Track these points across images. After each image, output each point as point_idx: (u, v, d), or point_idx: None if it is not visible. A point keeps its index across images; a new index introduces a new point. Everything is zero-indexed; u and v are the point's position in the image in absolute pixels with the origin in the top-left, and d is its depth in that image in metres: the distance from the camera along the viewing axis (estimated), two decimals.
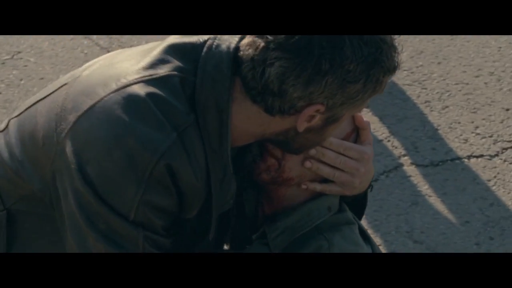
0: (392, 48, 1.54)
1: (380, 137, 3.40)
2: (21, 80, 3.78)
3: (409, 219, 2.99)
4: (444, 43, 3.98)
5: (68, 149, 1.57)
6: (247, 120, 1.58)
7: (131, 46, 3.96)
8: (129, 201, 1.55)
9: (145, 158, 1.53)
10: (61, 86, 1.67)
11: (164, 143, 1.53)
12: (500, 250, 2.90)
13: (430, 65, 3.78)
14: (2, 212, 1.71)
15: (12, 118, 1.74)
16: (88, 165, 1.55)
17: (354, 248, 1.65)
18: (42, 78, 3.73)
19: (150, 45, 1.68)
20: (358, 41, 1.50)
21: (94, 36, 3.98)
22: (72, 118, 1.59)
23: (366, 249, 1.68)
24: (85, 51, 3.91)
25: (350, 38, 1.50)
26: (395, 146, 3.35)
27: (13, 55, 3.89)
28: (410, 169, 3.24)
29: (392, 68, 1.55)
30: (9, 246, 1.72)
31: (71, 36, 3.99)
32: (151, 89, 1.55)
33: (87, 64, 1.71)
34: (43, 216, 1.69)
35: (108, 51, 3.90)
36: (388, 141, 3.38)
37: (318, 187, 1.68)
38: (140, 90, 1.55)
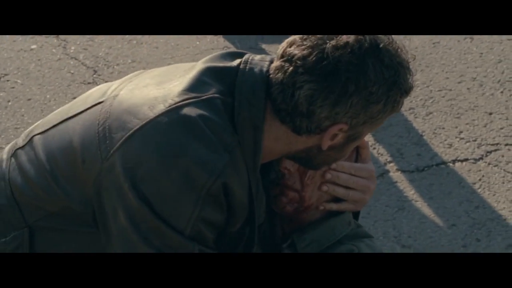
0: (408, 71, 1.65)
1: None
2: (8, 101, 3.80)
3: (397, 224, 3.01)
4: (426, 51, 4.03)
5: (118, 167, 1.60)
6: (275, 140, 1.68)
7: (117, 65, 4.02)
8: (186, 218, 1.60)
9: (203, 177, 1.59)
10: (95, 104, 1.72)
11: (219, 163, 1.60)
12: (487, 251, 2.92)
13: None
14: (24, 229, 1.73)
15: (36, 135, 1.76)
16: (143, 183, 1.59)
17: None
18: (29, 99, 3.76)
19: (183, 66, 1.75)
20: (380, 65, 1.61)
21: (81, 56, 4.01)
22: (119, 136, 1.63)
23: None
24: (72, 71, 3.95)
25: (372, 63, 1.61)
26: (381, 153, 3.39)
27: (0, 78, 3.92)
28: (396, 175, 3.27)
29: (408, 89, 1.67)
30: None
31: (57, 57, 4.02)
32: (200, 110, 1.62)
33: (118, 82, 1.76)
34: (72, 233, 1.71)
35: (95, 71, 3.94)
36: (374, 148, 3.41)
37: (334, 206, 1.83)
38: (191, 111, 1.62)
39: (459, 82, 3.82)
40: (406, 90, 1.66)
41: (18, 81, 3.90)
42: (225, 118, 1.64)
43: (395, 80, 1.63)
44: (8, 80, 3.91)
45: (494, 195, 3.18)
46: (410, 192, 3.19)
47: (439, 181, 3.23)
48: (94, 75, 3.91)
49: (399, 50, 1.65)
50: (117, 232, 1.64)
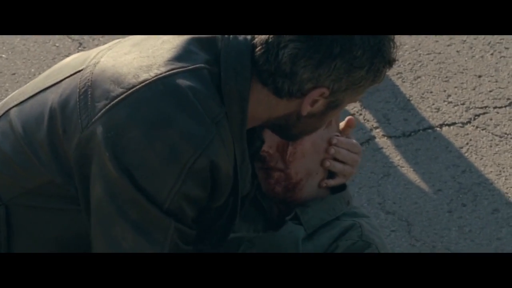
0: (392, 43, 1.65)
1: (351, 111, 3.38)
2: None
3: (381, 190, 2.98)
4: None
5: (99, 136, 1.56)
6: (257, 104, 1.64)
7: (102, 36, 3.98)
8: (167, 191, 1.56)
9: (188, 151, 1.55)
10: (75, 73, 1.67)
11: (206, 137, 1.56)
12: (473, 216, 2.89)
13: (401, 37, 3.76)
14: (0, 207, 1.67)
15: (12, 108, 1.71)
16: (125, 153, 1.55)
17: (376, 232, 1.83)
18: (13, 74, 3.73)
19: (164, 37, 1.68)
20: None
21: None
22: (102, 105, 1.58)
23: (383, 236, 1.89)
24: (57, 44, 3.91)
25: None
26: (367, 119, 3.34)
27: None
28: (382, 141, 3.22)
29: (391, 60, 1.66)
30: (10, 242, 1.69)
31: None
32: (187, 81, 1.58)
33: (96, 50, 1.70)
34: (51, 211, 1.66)
35: (80, 43, 3.90)
36: (360, 114, 3.36)
37: (332, 182, 1.87)
38: (178, 82, 1.57)
39: (448, 45, 3.75)
40: (389, 60, 1.65)
41: (3, 55, 3.86)
42: (213, 88, 1.60)
43: (379, 47, 1.61)
44: None
45: (481, 159, 3.13)
46: (396, 158, 3.14)
47: (426, 146, 3.19)
48: (80, 48, 3.87)
49: None
50: (93, 204, 1.60)
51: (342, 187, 1.91)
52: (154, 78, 1.58)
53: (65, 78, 1.68)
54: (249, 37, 1.63)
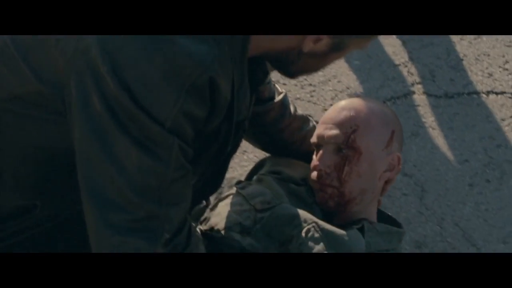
0: None
1: (397, 62, 3.18)
2: None
3: (405, 149, 2.79)
4: None
5: (96, 50, 1.48)
6: None
7: None
8: (168, 109, 1.50)
9: (190, 67, 1.49)
10: None
11: (209, 55, 1.50)
12: (494, 194, 2.68)
13: None
14: None
15: None
16: (124, 68, 1.47)
17: None
18: None
19: None
20: None
21: None
22: None
23: None
24: None
25: None
26: (411, 73, 3.13)
27: None
28: (420, 98, 3.02)
29: None
30: None
31: None
32: None
33: None
34: (39, 120, 1.60)
35: None
36: (405, 66, 3.16)
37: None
38: None
39: None
40: None
41: None
42: None
43: None
44: None
45: None
46: (429, 118, 2.94)
47: (465, 112, 2.97)
48: None
49: None
50: (88, 119, 1.51)
51: (393, 221, 1.97)
52: None
53: None
54: None
